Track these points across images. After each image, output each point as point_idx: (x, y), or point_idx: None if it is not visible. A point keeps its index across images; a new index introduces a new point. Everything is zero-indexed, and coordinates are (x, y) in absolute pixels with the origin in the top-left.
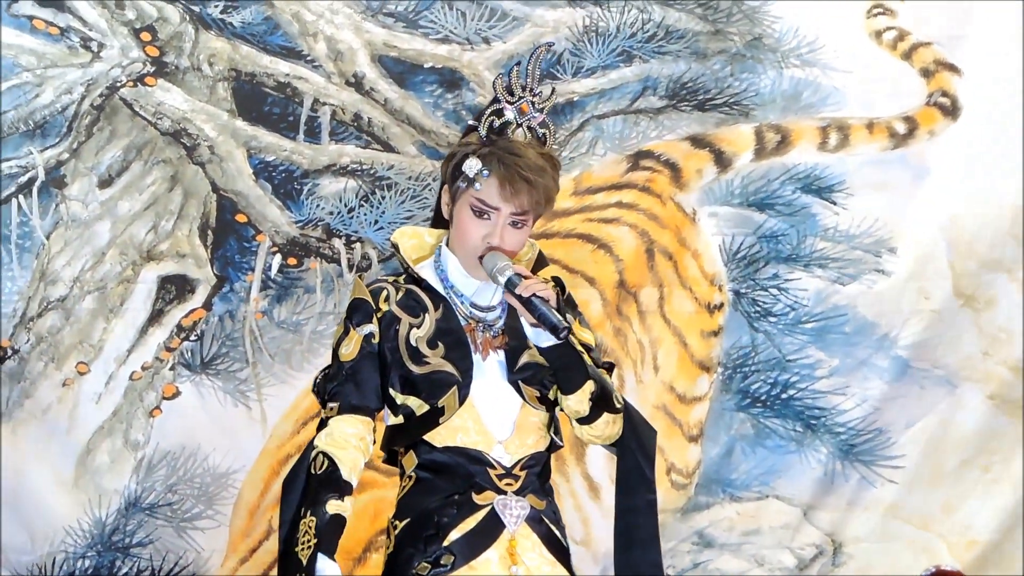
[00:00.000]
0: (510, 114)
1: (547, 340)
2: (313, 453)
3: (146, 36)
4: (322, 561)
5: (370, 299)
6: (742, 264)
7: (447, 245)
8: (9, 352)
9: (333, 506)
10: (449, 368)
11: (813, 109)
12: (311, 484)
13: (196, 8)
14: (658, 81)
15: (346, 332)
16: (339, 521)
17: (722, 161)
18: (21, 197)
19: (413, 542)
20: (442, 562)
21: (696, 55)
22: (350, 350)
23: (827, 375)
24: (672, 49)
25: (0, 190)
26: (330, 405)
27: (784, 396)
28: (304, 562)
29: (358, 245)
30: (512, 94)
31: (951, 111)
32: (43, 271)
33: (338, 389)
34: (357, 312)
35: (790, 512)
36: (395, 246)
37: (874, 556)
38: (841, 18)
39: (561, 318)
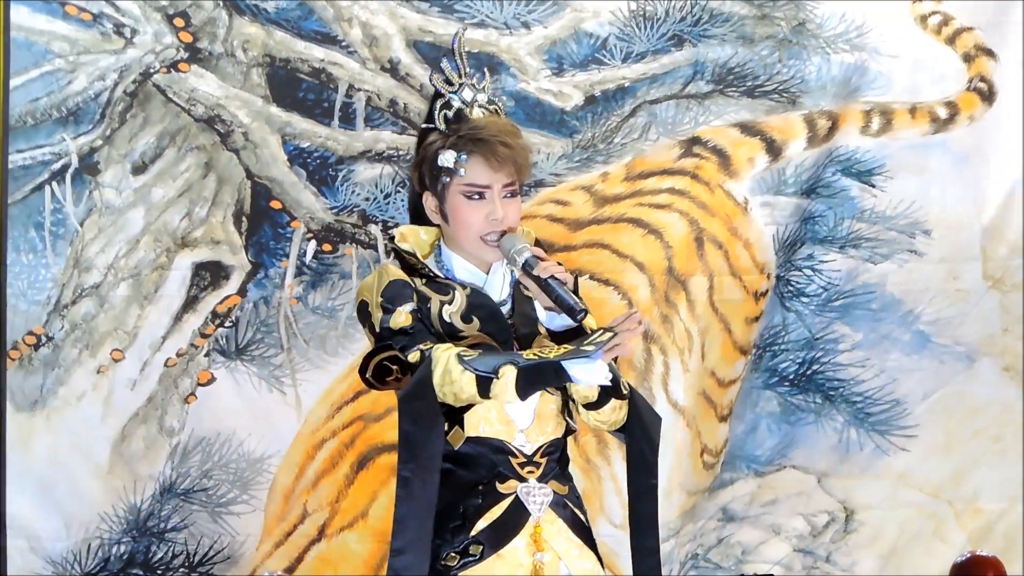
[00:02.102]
0: (457, 102)
1: (560, 324)
2: (420, 365)
3: (179, 22)
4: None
5: (406, 277)
6: (787, 249)
7: (445, 244)
8: (43, 339)
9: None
10: (487, 340)
11: (859, 92)
12: (439, 364)
13: None
14: (705, 65)
15: (388, 312)
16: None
17: (774, 150)
18: (55, 184)
19: (440, 533)
20: (471, 552)
21: (743, 39)
22: (403, 319)
23: (850, 348)
24: (717, 33)
25: (7, 180)
26: (410, 354)
27: (809, 372)
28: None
29: (395, 231)
30: (451, 84)
31: (988, 96)
32: (77, 258)
33: (409, 341)
34: (397, 294)
35: (805, 480)
36: (397, 251)
37: (884, 522)
38: (887, 2)
39: (578, 300)
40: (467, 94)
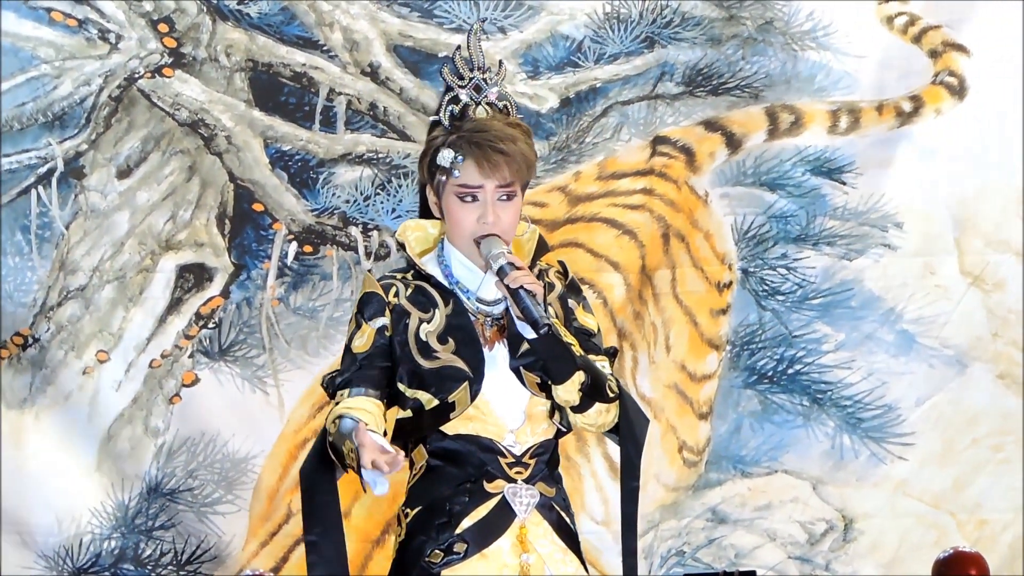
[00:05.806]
0: (465, 96)
1: (532, 332)
2: (326, 424)
3: (163, 27)
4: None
5: (381, 292)
6: (752, 243)
7: (447, 240)
8: (30, 340)
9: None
10: (459, 364)
11: (825, 92)
12: (332, 443)
13: None
14: (675, 67)
15: (358, 327)
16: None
17: (733, 142)
18: (41, 188)
19: (425, 530)
20: (455, 550)
21: (711, 41)
22: (363, 342)
23: (833, 349)
24: (688, 36)
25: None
26: (340, 392)
27: (791, 371)
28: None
29: (375, 233)
30: (462, 78)
31: (958, 90)
32: (63, 261)
33: (349, 377)
34: (369, 306)
35: (799, 486)
36: (400, 244)
37: (884, 532)
38: (853, 4)
39: (544, 313)
40: (475, 90)
